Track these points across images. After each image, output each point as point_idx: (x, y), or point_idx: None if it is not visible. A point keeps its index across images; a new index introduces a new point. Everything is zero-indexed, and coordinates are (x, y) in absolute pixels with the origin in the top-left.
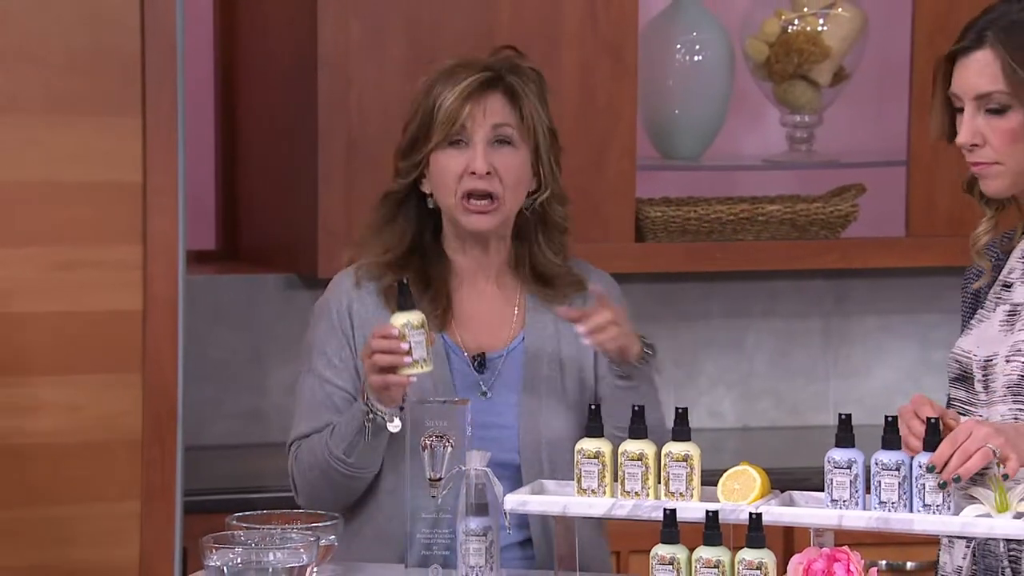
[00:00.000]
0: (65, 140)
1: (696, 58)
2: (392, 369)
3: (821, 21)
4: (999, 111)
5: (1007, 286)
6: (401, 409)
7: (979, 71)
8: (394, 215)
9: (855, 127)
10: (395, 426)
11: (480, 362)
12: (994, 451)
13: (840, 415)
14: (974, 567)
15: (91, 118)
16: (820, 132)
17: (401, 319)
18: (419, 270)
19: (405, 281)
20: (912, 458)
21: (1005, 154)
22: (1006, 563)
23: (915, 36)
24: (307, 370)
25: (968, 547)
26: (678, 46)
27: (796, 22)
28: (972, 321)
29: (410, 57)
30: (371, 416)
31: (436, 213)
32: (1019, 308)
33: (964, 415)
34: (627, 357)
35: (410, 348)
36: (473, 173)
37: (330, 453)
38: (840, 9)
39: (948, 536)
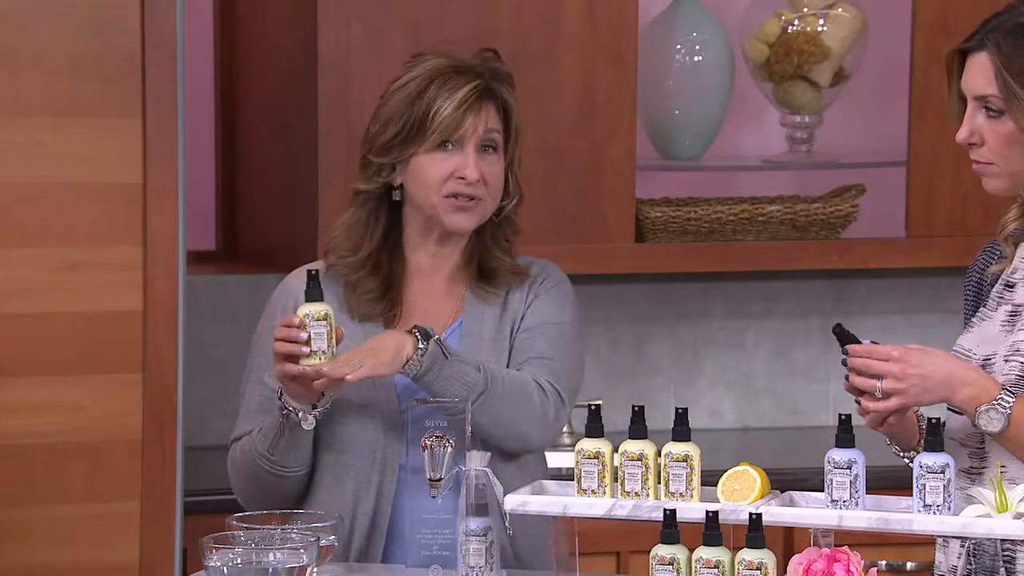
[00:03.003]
0: (66, 142)
1: (696, 59)
2: (293, 359)
3: (821, 22)
4: (995, 115)
5: (1010, 286)
6: (314, 407)
7: (978, 73)
8: (369, 213)
9: (855, 127)
10: (308, 424)
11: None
12: (879, 390)
13: (840, 415)
14: (969, 567)
15: (92, 120)
16: (820, 132)
17: (304, 309)
18: (386, 270)
19: (314, 272)
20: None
21: (999, 156)
22: (1000, 563)
23: (915, 37)
24: (248, 372)
25: (963, 547)
26: (678, 47)
27: (796, 23)
28: (973, 319)
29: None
30: (285, 412)
31: (397, 208)
32: (1020, 309)
33: (962, 413)
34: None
35: (309, 338)
36: (462, 178)
37: (256, 451)
38: (840, 9)
39: (946, 536)
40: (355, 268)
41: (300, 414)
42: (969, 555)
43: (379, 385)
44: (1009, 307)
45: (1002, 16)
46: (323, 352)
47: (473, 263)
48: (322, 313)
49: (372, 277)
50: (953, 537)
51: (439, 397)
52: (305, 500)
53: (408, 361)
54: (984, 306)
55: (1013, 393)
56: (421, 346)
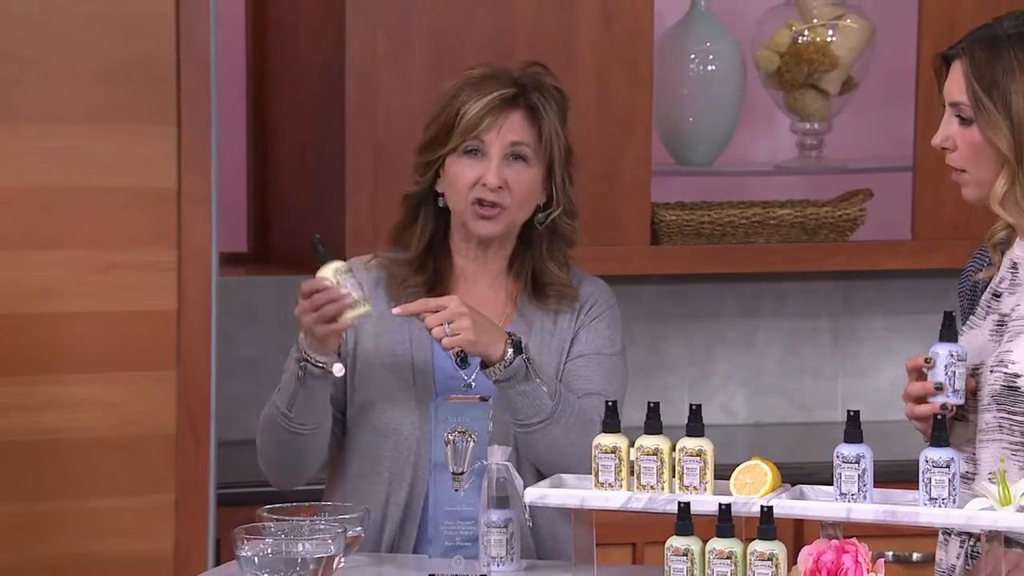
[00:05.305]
0: (103, 147)
1: (709, 68)
2: (334, 319)
3: (830, 32)
4: (966, 122)
5: (996, 295)
6: (339, 355)
7: (955, 80)
8: (416, 215)
9: (863, 134)
10: (339, 370)
11: (463, 358)
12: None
13: (848, 412)
14: (967, 567)
15: (128, 126)
16: (829, 139)
17: (329, 269)
18: (432, 270)
19: (319, 238)
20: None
21: (968, 163)
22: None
23: (921, 46)
24: (292, 348)
25: (962, 547)
26: (692, 56)
27: (806, 33)
28: (964, 327)
29: (434, 65)
30: (304, 366)
31: (447, 212)
32: (1006, 319)
33: (959, 419)
34: (487, 359)
35: (349, 292)
36: (485, 184)
37: (276, 410)
38: (849, 20)
39: (952, 528)
40: (401, 265)
41: (328, 364)
42: (968, 556)
43: (419, 378)
44: (996, 316)
45: (984, 29)
46: (364, 299)
47: (524, 275)
48: (346, 267)
49: (417, 275)
50: (957, 529)
51: (511, 406)
52: (338, 485)
53: (489, 362)
54: (974, 313)
55: None
56: (507, 357)
